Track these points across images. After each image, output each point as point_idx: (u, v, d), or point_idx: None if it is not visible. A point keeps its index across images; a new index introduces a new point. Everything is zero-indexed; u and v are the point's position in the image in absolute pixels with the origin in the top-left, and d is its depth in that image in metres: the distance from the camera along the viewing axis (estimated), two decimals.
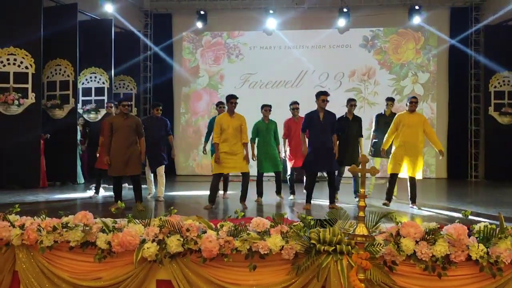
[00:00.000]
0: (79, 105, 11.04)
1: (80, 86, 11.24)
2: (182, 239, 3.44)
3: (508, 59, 11.65)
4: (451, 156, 12.52)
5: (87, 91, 11.47)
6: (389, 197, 6.80)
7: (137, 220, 3.66)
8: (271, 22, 12.50)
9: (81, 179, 10.43)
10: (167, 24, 13.39)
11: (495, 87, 11.93)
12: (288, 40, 13.03)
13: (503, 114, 11.79)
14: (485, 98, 12.16)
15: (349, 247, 3.32)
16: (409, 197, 6.75)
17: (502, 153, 11.60)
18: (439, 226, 3.44)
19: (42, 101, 10.19)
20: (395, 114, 7.31)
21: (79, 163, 10.39)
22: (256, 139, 7.60)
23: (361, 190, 2.71)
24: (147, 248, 3.42)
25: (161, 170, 7.69)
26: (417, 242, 3.33)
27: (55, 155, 9.90)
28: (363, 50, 13.05)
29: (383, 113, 8.05)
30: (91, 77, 11.46)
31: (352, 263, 3.28)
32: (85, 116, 11.27)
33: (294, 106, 7.77)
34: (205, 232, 3.52)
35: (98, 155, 7.88)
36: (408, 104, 6.86)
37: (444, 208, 6.77)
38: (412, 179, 6.71)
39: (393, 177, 6.83)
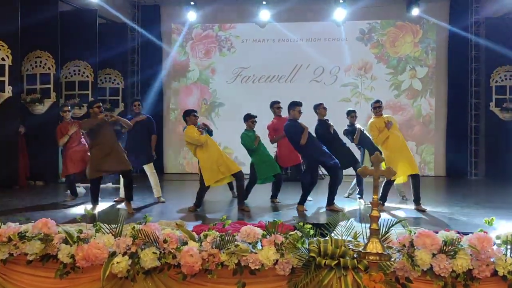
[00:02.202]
0: (62, 100, 10.48)
1: (63, 80, 10.67)
2: (158, 252, 2.92)
3: (511, 52, 11.19)
4: (450, 153, 12.09)
5: (70, 85, 10.89)
6: (383, 201, 6.30)
7: (106, 228, 3.13)
8: (264, 14, 11.95)
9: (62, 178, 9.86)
10: (156, 16, 12.78)
11: (496, 81, 11.49)
12: (282, 33, 12.48)
13: (505, 110, 11.33)
14: (486, 93, 11.72)
15: (355, 261, 2.82)
16: (413, 199, 6.26)
17: (504, 150, 11.17)
18: (458, 235, 2.96)
19: (21, 95, 9.64)
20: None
21: (60, 160, 9.83)
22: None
23: (374, 196, 2.21)
24: (117, 262, 2.90)
25: (151, 167, 7.10)
26: (434, 255, 2.84)
27: (36, 152, 9.35)
28: (360, 43, 12.55)
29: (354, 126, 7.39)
30: (74, 71, 10.87)
31: (358, 280, 2.79)
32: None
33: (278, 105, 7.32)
34: (186, 243, 3.01)
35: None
36: (372, 110, 6.60)
37: (451, 211, 6.31)
38: (415, 178, 6.21)
39: (390, 183, 6.32)
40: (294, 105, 6.28)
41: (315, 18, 12.42)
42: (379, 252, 2.10)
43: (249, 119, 6.84)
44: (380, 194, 6.27)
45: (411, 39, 12.42)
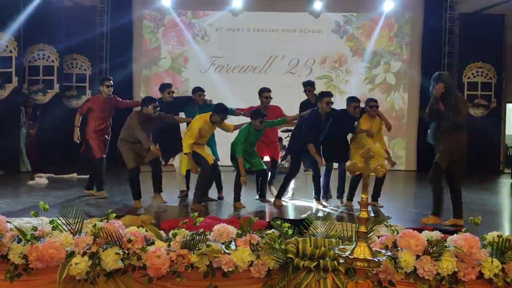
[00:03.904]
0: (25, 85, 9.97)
1: (26, 65, 10.13)
2: (121, 253, 2.66)
3: (483, 49, 11.29)
4: (421, 148, 12.12)
5: (34, 70, 10.36)
6: (350, 196, 6.15)
7: (64, 227, 2.84)
8: (238, 2, 11.66)
9: (27, 167, 9.40)
10: (127, 0, 12.30)
11: (468, 77, 11.59)
12: (257, 23, 12.22)
13: (476, 106, 11.47)
14: (458, 89, 11.73)
15: (335, 262, 2.63)
16: (372, 193, 6.04)
17: (473, 146, 11.20)
18: (442, 236, 2.81)
19: None
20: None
21: (24, 149, 9.40)
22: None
23: (362, 196, 2.01)
24: (75, 263, 2.62)
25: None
26: (418, 256, 2.68)
27: None
28: (335, 36, 12.41)
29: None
30: (39, 55, 10.35)
31: (338, 283, 2.61)
32: (32, 97, 10.17)
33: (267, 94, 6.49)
34: (153, 243, 2.75)
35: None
36: (368, 108, 6.13)
37: (424, 206, 6.24)
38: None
39: (358, 177, 6.09)
40: (324, 96, 5.88)
41: (291, 9, 12.19)
42: (368, 258, 1.91)
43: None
44: (349, 190, 6.14)
45: (387, 33, 12.36)
